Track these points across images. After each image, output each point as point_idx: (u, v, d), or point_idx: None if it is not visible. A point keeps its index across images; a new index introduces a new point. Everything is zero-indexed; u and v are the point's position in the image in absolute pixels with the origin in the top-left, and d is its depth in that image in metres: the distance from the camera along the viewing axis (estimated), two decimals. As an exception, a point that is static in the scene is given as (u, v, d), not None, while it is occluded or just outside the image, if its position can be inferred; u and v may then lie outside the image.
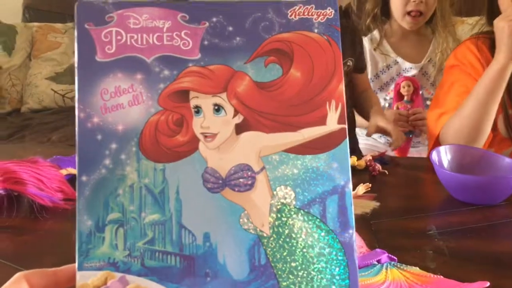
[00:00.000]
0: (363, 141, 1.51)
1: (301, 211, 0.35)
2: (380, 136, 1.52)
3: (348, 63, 1.32)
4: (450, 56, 1.17)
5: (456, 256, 0.60)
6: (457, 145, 0.91)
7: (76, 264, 0.34)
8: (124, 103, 0.35)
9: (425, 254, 0.60)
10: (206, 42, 0.36)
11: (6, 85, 2.21)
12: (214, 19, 0.36)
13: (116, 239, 0.34)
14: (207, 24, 0.36)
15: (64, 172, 0.79)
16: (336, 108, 0.36)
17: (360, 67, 1.37)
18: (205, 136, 0.35)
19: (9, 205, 0.72)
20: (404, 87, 1.37)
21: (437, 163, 0.83)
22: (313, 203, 0.35)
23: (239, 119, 0.36)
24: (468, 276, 0.52)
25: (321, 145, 0.36)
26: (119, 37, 0.35)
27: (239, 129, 0.35)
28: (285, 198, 0.35)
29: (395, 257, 0.55)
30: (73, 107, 0.37)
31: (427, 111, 1.21)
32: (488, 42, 1.06)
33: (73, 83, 0.34)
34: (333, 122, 0.36)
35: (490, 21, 1.04)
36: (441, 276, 0.52)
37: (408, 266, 0.54)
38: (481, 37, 1.09)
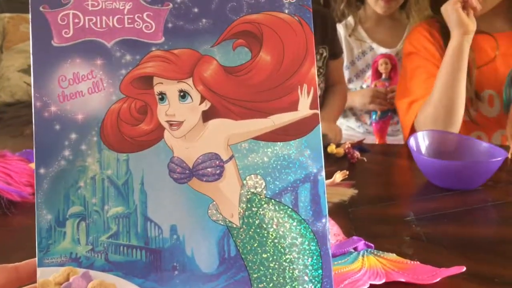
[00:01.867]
0: (342, 130, 1.50)
1: (272, 200, 0.34)
2: (359, 126, 1.52)
3: (321, 51, 1.29)
4: (406, 43, 1.21)
5: (433, 241, 0.59)
6: (434, 130, 0.91)
7: (37, 260, 0.32)
8: (84, 91, 0.33)
9: (402, 241, 0.59)
10: (170, 25, 0.34)
11: (-24, 78, 2.14)
12: (178, 0, 0.34)
13: (78, 234, 0.32)
14: (171, 5, 0.34)
15: (33, 166, 0.76)
16: (308, 92, 0.35)
17: (334, 52, 1.35)
18: (171, 124, 0.34)
19: (-24, 200, 0.70)
20: (381, 65, 1.36)
21: (415, 149, 0.83)
22: (285, 192, 0.34)
23: (206, 105, 0.34)
24: (444, 261, 0.52)
25: (293, 131, 0.34)
26: (76, 20, 0.33)
27: (206, 116, 0.34)
28: (255, 188, 0.34)
29: (371, 244, 0.54)
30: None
31: (395, 101, 1.21)
32: (437, 26, 1.12)
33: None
34: (305, 107, 0.35)
35: (433, 8, 1.13)
36: (418, 262, 0.51)
37: (385, 252, 0.53)
38: (430, 22, 1.15)
